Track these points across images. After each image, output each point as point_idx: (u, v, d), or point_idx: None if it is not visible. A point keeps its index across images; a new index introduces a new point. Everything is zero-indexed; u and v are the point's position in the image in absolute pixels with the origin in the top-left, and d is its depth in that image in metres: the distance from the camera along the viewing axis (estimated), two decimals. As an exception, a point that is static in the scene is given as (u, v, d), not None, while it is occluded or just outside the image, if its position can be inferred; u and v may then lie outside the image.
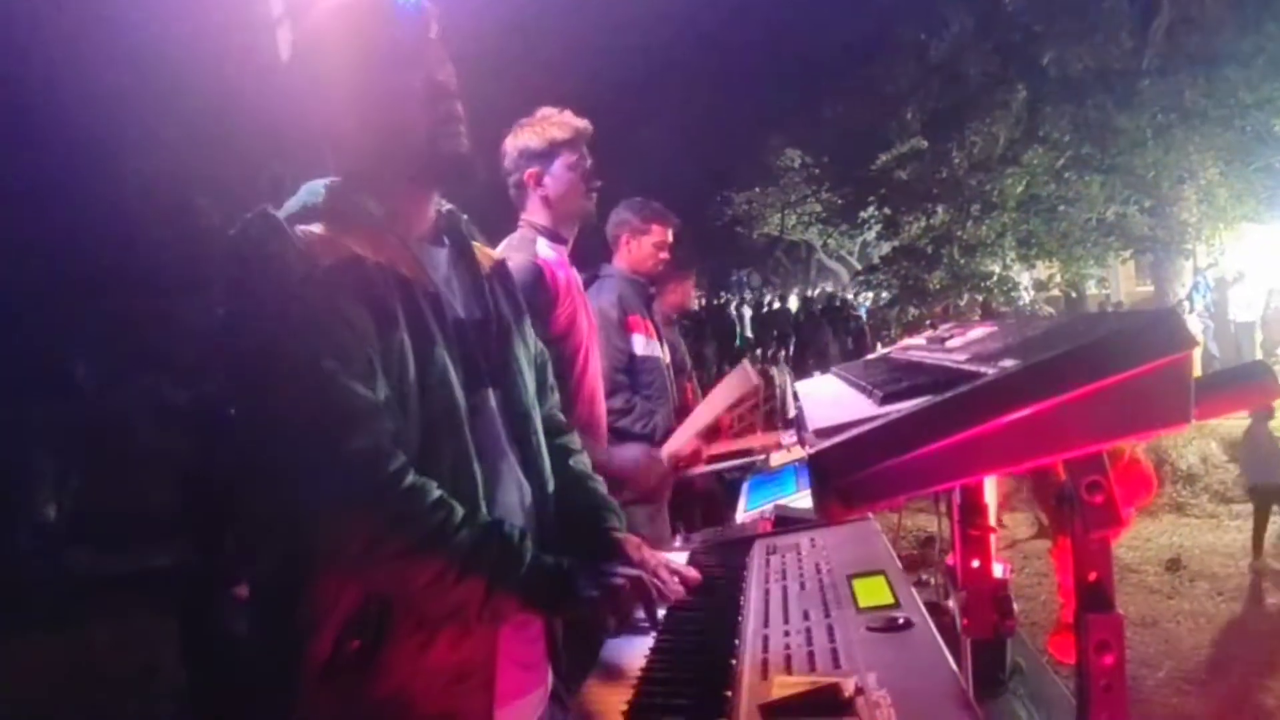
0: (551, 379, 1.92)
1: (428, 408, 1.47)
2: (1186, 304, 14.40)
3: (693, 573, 1.70)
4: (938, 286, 13.37)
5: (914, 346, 1.80)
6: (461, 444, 1.50)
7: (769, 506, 3.15)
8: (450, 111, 1.57)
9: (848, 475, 1.02)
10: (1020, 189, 12.37)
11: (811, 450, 1.10)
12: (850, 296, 18.59)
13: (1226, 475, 10.92)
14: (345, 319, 1.39)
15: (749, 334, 18.57)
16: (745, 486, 3.95)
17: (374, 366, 1.40)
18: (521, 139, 2.98)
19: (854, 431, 1.04)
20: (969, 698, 1.05)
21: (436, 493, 1.39)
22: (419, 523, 1.37)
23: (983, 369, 1.04)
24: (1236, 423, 12.45)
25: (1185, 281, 14.10)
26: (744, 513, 3.43)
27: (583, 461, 1.91)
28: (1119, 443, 1.06)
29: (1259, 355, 15.20)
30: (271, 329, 1.37)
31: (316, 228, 1.47)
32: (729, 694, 1.21)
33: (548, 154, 2.95)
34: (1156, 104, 11.76)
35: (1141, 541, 9.65)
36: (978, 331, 1.59)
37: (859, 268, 18.37)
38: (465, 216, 1.72)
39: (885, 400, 1.14)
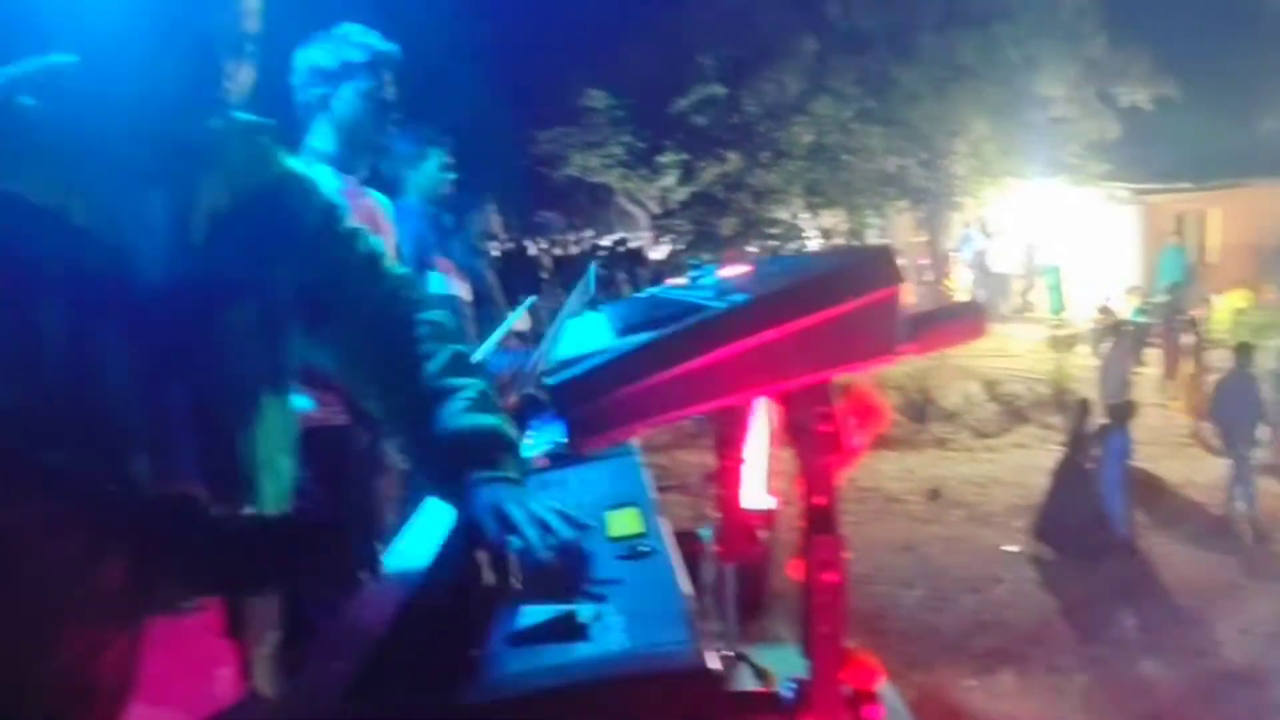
0: (369, 259, 1.63)
1: (78, 391, 1.27)
2: (956, 254, 15.56)
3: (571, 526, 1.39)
4: (730, 233, 13.81)
5: (676, 284, 1.84)
6: (124, 432, 1.31)
7: (551, 443, 3.16)
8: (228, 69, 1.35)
9: (583, 405, 1.03)
10: (809, 138, 12.90)
11: (549, 381, 1.11)
12: (646, 241, 18.87)
13: (984, 413, 11.92)
14: None
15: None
16: (530, 424, 3.96)
17: None
18: (313, 55, 2.74)
19: (588, 363, 1.05)
20: (693, 617, 1.10)
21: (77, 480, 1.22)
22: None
23: (713, 303, 1.07)
24: (999, 362, 13.63)
25: (955, 233, 15.20)
26: (526, 449, 3.44)
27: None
28: (835, 374, 1.11)
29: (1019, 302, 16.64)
30: None
31: None
32: (478, 624, 1.21)
33: (339, 75, 2.74)
34: (934, 61, 12.49)
35: (906, 473, 10.42)
36: (733, 269, 1.64)
37: (658, 213, 18.64)
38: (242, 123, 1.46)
39: (624, 333, 1.16)
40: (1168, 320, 12.12)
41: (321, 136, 2.78)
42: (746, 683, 1.84)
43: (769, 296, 0.98)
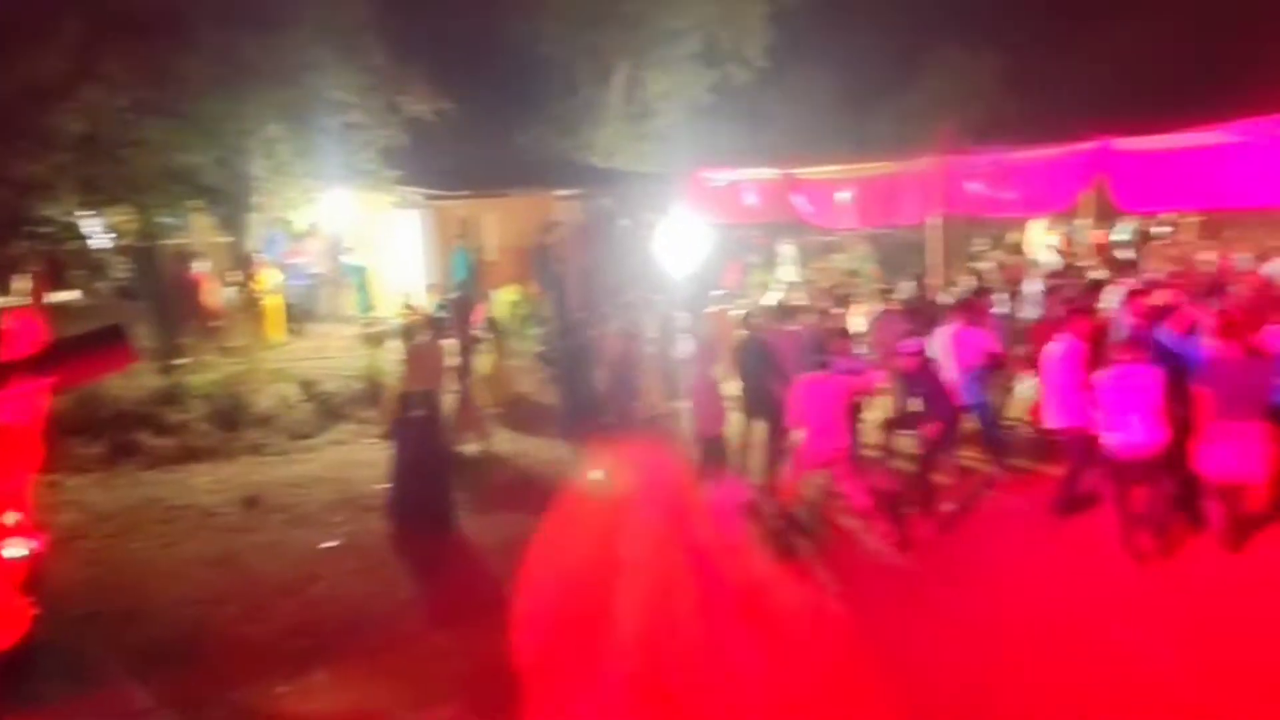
0: None
1: None
2: (262, 255, 15.22)
3: None
4: (-15, 231, 11.65)
5: None
6: None
7: None
8: None
9: None
10: (79, 127, 11.43)
11: None
12: None
13: (300, 414, 11.87)
14: None
15: None
16: None
17: None
18: None
19: None
20: None
21: None
22: None
23: None
24: (314, 362, 13.71)
25: (257, 234, 14.86)
26: None
27: None
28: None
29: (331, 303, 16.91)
30: None
31: None
32: None
33: None
34: (216, 55, 11.93)
35: (220, 484, 9.96)
36: None
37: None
38: None
39: None
40: (459, 314, 13.33)
41: None
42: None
43: None
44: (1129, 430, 6.79)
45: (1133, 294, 9.17)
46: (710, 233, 13.06)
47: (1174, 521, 7.10)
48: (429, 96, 15.09)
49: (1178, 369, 7.05)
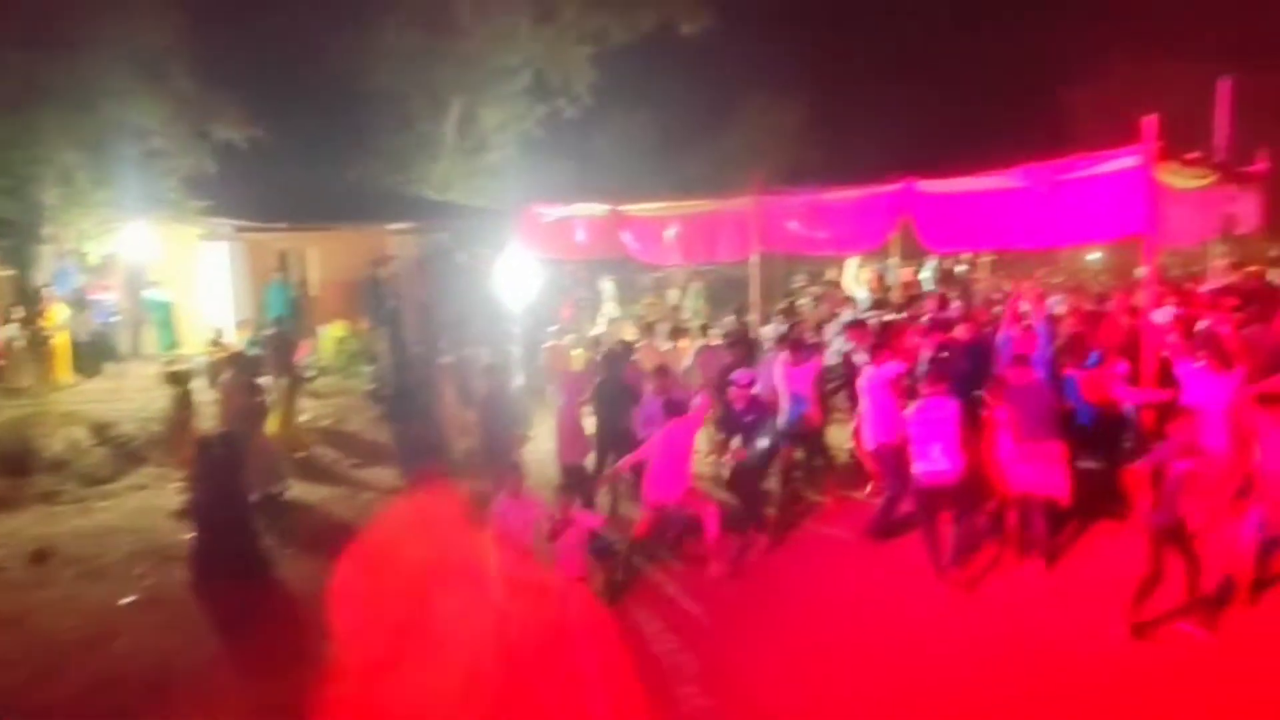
0: None
1: None
2: (52, 290, 14.06)
3: None
4: None
5: None
6: None
7: None
8: None
9: None
10: None
11: None
12: None
13: (95, 459, 10.98)
14: None
15: None
16: None
17: None
18: None
19: None
20: None
21: None
22: None
23: None
24: (110, 404, 12.69)
25: (47, 266, 13.74)
26: None
27: None
28: None
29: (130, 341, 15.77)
30: None
31: None
32: None
33: None
34: (5, 74, 11.00)
35: (7, 536, 9.08)
36: None
37: None
38: None
39: None
40: (277, 352, 12.71)
41: None
42: None
43: None
44: (931, 459, 7.22)
45: (933, 326, 9.82)
46: (543, 268, 13.07)
47: (980, 542, 7.58)
48: (240, 123, 14.45)
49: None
